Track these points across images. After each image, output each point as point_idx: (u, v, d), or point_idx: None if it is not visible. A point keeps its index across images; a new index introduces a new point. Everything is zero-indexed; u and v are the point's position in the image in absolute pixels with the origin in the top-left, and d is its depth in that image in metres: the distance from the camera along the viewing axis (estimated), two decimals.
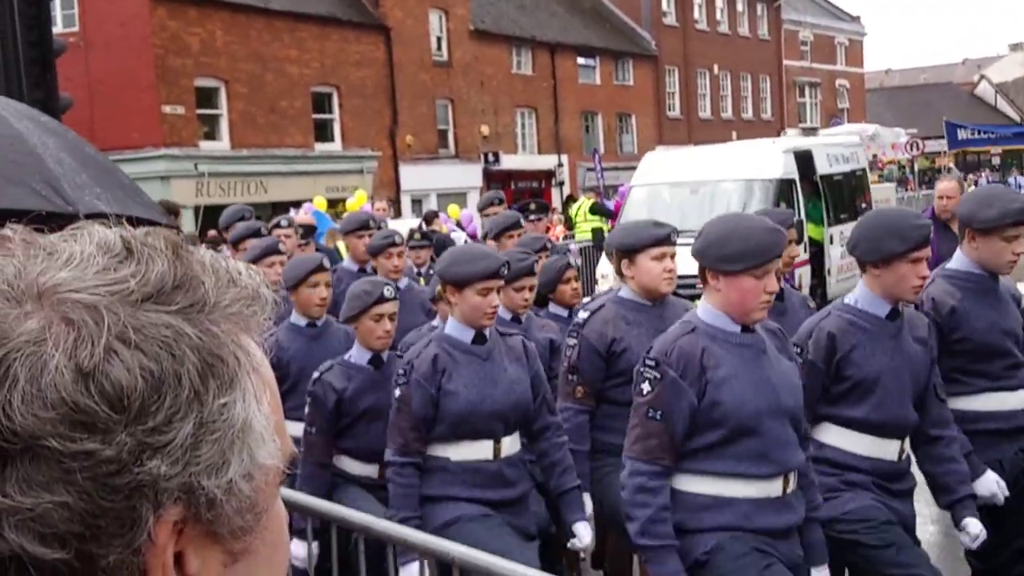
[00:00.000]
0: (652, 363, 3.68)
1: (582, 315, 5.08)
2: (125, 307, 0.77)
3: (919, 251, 4.08)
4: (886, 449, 4.17)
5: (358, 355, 5.08)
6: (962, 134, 38.67)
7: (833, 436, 4.17)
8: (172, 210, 9.95)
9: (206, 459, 0.77)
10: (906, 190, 36.69)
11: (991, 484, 4.54)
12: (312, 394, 5.01)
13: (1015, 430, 4.76)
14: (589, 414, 4.99)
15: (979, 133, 38.92)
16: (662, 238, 4.89)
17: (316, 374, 5.05)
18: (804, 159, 15.91)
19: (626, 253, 4.93)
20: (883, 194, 20.22)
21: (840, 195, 16.70)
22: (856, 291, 4.25)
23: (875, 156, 41.56)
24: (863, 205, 17.15)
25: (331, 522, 4.21)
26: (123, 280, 0.78)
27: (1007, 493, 4.58)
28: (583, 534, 4.66)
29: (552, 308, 6.18)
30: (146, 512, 0.75)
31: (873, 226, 4.22)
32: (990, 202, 4.66)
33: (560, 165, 39.03)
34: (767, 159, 15.55)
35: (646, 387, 3.69)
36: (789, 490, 3.76)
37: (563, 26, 40.58)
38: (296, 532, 4.54)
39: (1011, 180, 39.28)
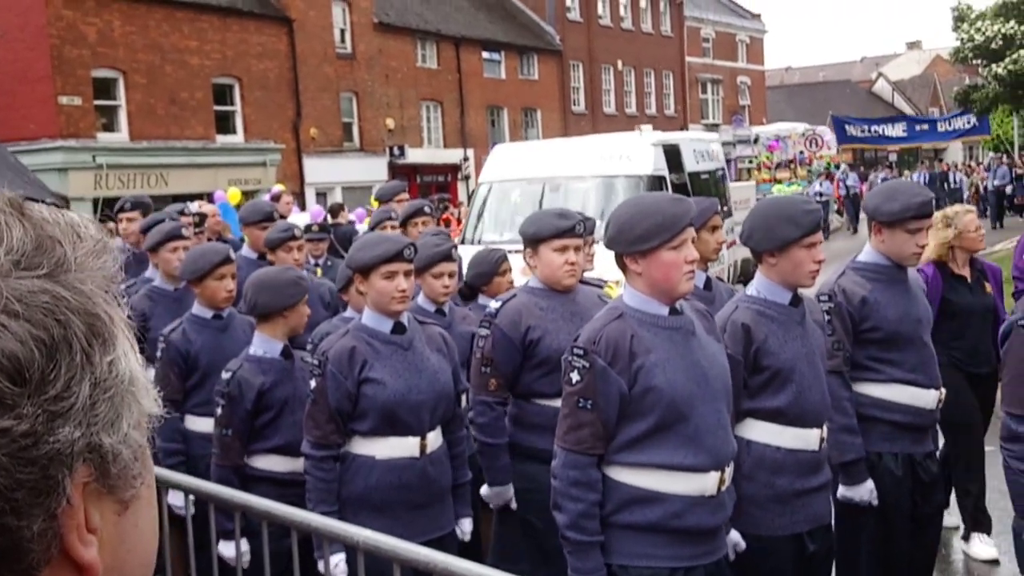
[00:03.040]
0: (580, 352, 3.59)
1: (494, 305, 4.99)
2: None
3: (812, 236, 4.12)
4: (807, 439, 4.16)
5: (267, 347, 4.92)
6: (851, 130, 37.89)
7: (757, 432, 4.13)
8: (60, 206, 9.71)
9: (103, 417, 0.78)
10: (831, 183, 37.18)
11: (866, 492, 4.65)
12: (227, 395, 4.82)
13: (920, 428, 4.82)
14: (503, 406, 4.91)
15: (867, 130, 37.88)
16: (565, 230, 4.85)
17: (227, 374, 4.87)
18: (672, 154, 14.51)
19: (530, 243, 4.90)
20: (743, 194, 18.93)
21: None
22: (755, 282, 4.26)
23: (802, 152, 42.21)
24: (724, 208, 15.31)
25: (234, 509, 4.17)
26: None
27: (876, 502, 4.66)
28: (467, 530, 4.73)
29: (482, 300, 6.00)
30: (63, 478, 0.75)
31: (766, 215, 4.24)
32: (894, 196, 4.73)
33: (466, 159, 39.01)
34: (635, 153, 13.90)
35: (575, 376, 3.59)
36: (724, 488, 3.68)
37: (468, 20, 40.55)
38: (222, 533, 4.50)
39: (916, 176, 39.47)
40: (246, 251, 7.80)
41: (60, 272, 0.78)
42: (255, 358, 4.91)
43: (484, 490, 4.99)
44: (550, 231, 4.85)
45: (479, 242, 12.68)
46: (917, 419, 4.79)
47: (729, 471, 3.71)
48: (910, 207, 4.66)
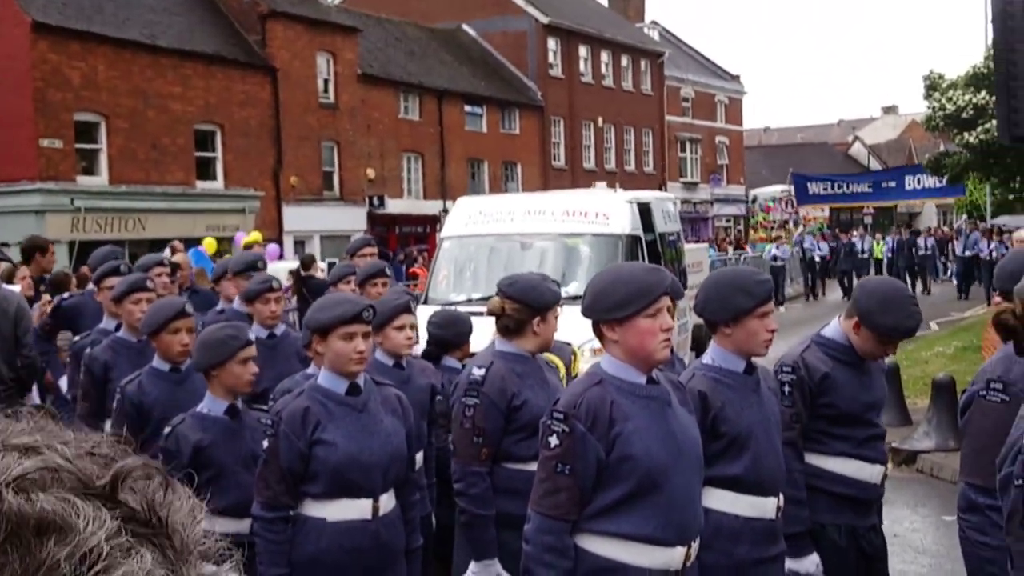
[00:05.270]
0: (560, 416, 3.58)
1: (477, 372, 4.87)
2: None
3: (765, 306, 4.19)
4: (764, 508, 4.18)
5: (212, 406, 4.88)
6: (812, 188, 36.25)
7: (714, 500, 4.12)
8: (41, 247, 9.74)
9: None
10: (825, 240, 37.21)
11: (811, 565, 4.64)
12: (164, 450, 4.70)
13: (865, 502, 4.86)
14: (490, 475, 4.83)
15: (831, 187, 36.11)
16: (560, 296, 5.00)
17: (168, 428, 4.83)
18: (645, 213, 13.44)
19: (539, 311, 4.89)
20: (696, 256, 17.84)
21: (674, 256, 14.30)
22: (710, 351, 4.31)
23: (798, 212, 42.31)
24: (681, 269, 14.57)
25: None
26: None
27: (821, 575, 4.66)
28: None
29: (447, 362, 6.03)
30: None
31: (719, 285, 4.29)
32: (889, 309, 4.68)
33: (445, 211, 39.11)
34: (612, 211, 12.83)
35: (554, 440, 3.57)
36: (689, 563, 3.68)
37: (451, 74, 40.90)
38: None
39: (887, 241, 38.19)
40: (238, 305, 7.59)
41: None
42: (199, 415, 4.88)
43: (472, 567, 4.85)
44: (556, 297, 4.91)
45: (442, 303, 11.49)
46: (861, 493, 4.83)
47: (695, 546, 3.72)
48: (899, 329, 4.70)
